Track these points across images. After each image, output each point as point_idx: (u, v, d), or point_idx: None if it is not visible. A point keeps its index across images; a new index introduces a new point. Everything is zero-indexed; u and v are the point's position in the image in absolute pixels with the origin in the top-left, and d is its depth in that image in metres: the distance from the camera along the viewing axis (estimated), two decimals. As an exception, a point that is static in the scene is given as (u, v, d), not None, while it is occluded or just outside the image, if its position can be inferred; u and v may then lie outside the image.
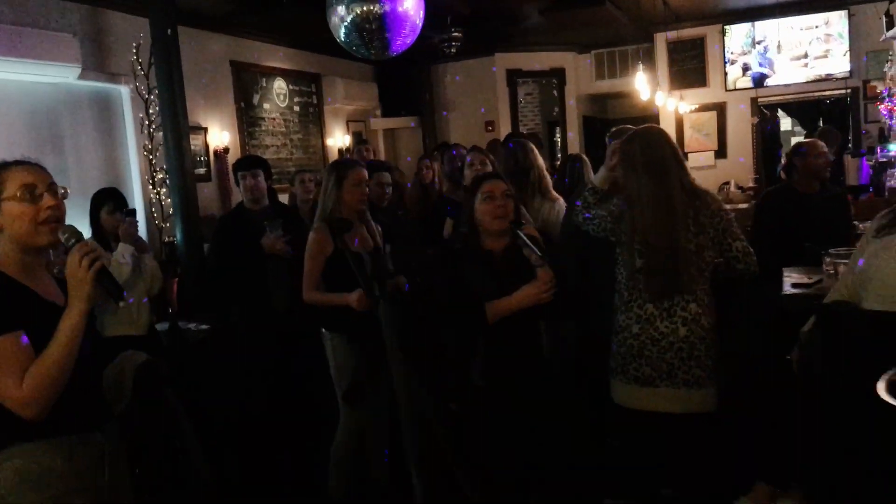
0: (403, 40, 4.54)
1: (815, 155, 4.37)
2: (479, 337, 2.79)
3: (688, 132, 10.20)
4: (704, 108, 10.11)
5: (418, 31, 4.57)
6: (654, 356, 2.82)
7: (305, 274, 3.54)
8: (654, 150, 2.91)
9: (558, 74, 11.02)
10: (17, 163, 2.05)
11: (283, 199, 6.50)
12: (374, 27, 4.38)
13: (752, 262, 2.86)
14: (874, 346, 2.25)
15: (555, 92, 11.08)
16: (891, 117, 7.02)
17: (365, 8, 4.33)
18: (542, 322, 2.81)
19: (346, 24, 4.42)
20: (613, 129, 3.78)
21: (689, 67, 10.07)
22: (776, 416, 2.59)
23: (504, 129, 10.54)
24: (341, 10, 4.39)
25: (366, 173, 3.67)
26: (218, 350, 4.82)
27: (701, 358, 2.81)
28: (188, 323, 5.33)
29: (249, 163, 4.86)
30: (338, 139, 9.56)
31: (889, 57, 7.42)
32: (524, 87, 11.01)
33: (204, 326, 5.05)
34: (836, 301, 2.65)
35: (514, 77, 10.83)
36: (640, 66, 9.37)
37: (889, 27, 6.93)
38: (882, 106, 7.30)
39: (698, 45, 9.98)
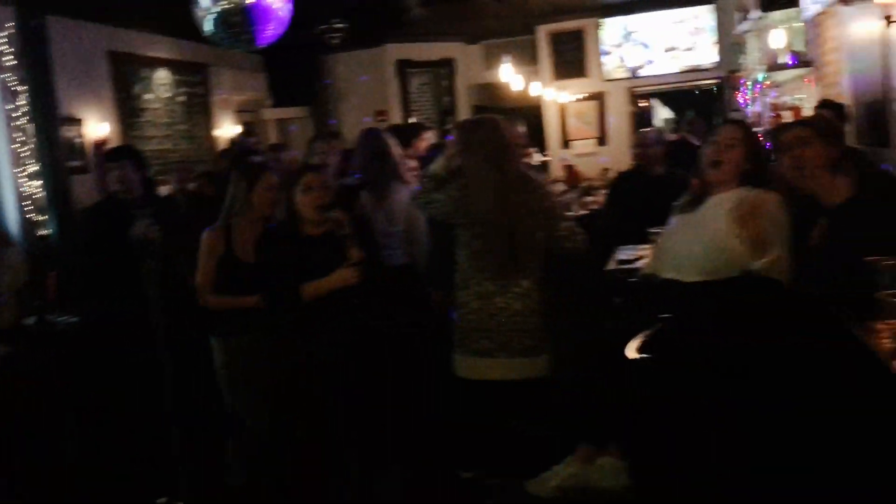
0: (271, 33, 4.62)
1: (638, 144, 4.86)
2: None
3: (570, 121, 10.61)
4: (585, 97, 10.51)
5: (287, 23, 4.66)
6: (492, 329, 3.06)
7: (200, 275, 3.52)
8: (494, 139, 3.13)
9: (448, 65, 11.26)
10: None
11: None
12: (240, 19, 4.46)
13: (579, 240, 3.11)
14: (665, 310, 2.53)
15: (444, 82, 11.30)
16: (746, 106, 7.51)
17: (230, 0, 4.41)
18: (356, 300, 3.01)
19: (211, 16, 4.48)
20: (456, 122, 4.01)
21: (570, 59, 10.46)
22: (597, 381, 2.85)
23: (396, 118, 10.71)
24: (205, 2, 4.46)
25: (276, 179, 3.55)
26: (91, 342, 4.81)
27: (533, 329, 3.07)
28: (59, 316, 5.29)
29: (116, 154, 4.86)
30: (227, 130, 9.51)
31: (744, 48, 7.93)
32: (417, 77, 11.19)
33: (73, 319, 5.02)
34: (643, 273, 2.94)
35: (405, 67, 10.99)
36: (508, 59, 9.68)
37: (742, 20, 7.42)
38: (739, 95, 7.80)
39: (577, 38, 10.38)
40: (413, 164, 5.45)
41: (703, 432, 2.20)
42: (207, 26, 4.51)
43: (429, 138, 5.90)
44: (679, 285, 2.62)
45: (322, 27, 7.75)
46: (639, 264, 3.54)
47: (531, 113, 11.26)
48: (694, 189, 2.88)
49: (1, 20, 6.05)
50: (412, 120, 10.88)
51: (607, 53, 10.23)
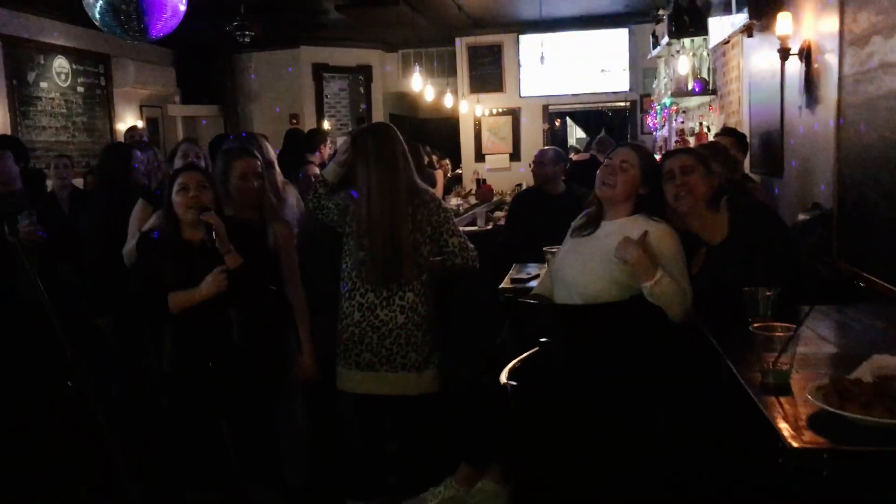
0: (164, 24, 4.42)
1: (536, 162, 4.89)
2: (167, 326, 2.88)
3: (485, 135, 10.62)
4: (501, 112, 10.55)
5: (181, 15, 4.47)
6: (374, 342, 2.97)
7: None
8: (386, 146, 3.03)
9: (365, 71, 11.14)
10: None
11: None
12: (131, 8, 4.25)
13: (469, 256, 3.04)
14: (546, 333, 2.48)
15: (361, 88, 11.18)
16: (654, 129, 7.65)
17: (120, -13, 4.19)
18: (233, 311, 2.84)
19: (100, 3, 4.25)
20: (354, 130, 3.89)
21: (488, 72, 10.49)
22: (480, 399, 2.77)
23: (309, 122, 10.51)
24: (95, -13, 4.23)
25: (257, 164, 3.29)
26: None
27: (418, 344, 2.98)
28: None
29: None
30: (128, 124, 9.12)
31: (655, 74, 8.08)
32: (334, 82, 11.03)
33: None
34: (534, 293, 2.88)
35: (321, 71, 10.82)
36: (417, 69, 9.67)
37: (654, 46, 7.55)
38: (649, 118, 7.95)
39: (496, 52, 10.42)
40: (317, 170, 5.32)
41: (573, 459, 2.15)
42: (96, 13, 4.29)
43: (333, 145, 5.81)
44: (562, 309, 2.57)
45: (233, 24, 7.50)
46: (531, 284, 3.49)
47: (447, 125, 11.28)
48: (589, 204, 2.85)
49: None
50: (326, 125, 10.73)
51: (525, 70, 10.28)
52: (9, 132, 7.18)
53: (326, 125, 10.77)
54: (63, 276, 4.52)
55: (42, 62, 7.81)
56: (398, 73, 11.30)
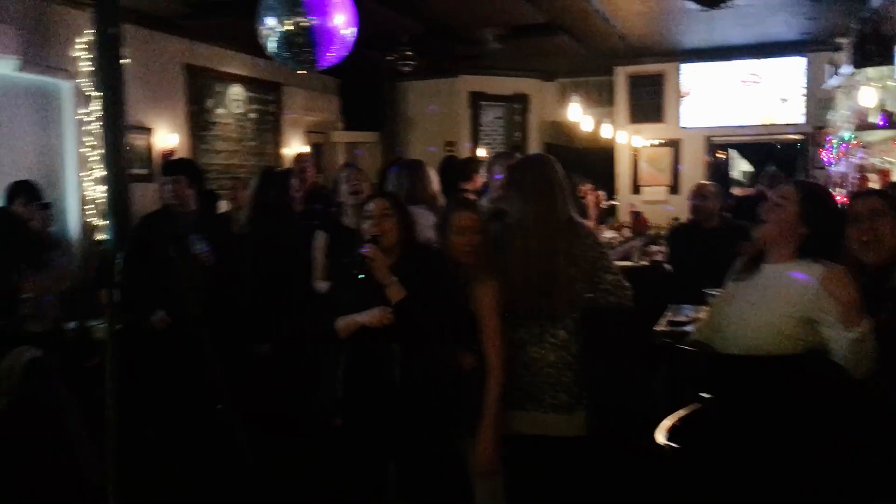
0: (333, 54, 4.56)
1: (696, 196, 4.61)
2: (343, 351, 2.83)
3: (643, 166, 10.32)
4: (660, 143, 10.23)
5: (349, 46, 4.60)
6: (524, 380, 2.88)
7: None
8: (544, 179, 2.96)
9: (522, 100, 11.15)
10: None
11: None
12: (303, 40, 4.41)
13: (624, 295, 2.90)
14: (708, 388, 2.29)
15: (517, 117, 11.18)
16: (829, 164, 7.13)
17: (294, 20, 4.36)
18: (397, 346, 2.74)
19: (274, 35, 4.44)
20: (494, 154, 3.85)
21: (647, 102, 10.21)
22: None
23: (464, 150, 10.62)
24: (270, 21, 4.42)
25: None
26: (128, 350, 4.76)
27: (568, 384, 2.86)
28: (102, 322, 5.29)
29: (172, 168, 4.85)
30: (295, 149, 9.55)
31: (833, 105, 7.56)
32: (490, 111, 11.10)
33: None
34: (693, 340, 2.69)
35: (478, 100, 10.92)
36: (575, 98, 9.51)
37: (832, 75, 7.07)
38: (823, 153, 7.42)
39: (656, 82, 10.12)
40: (472, 197, 5.33)
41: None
42: (271, 46, 4.49)
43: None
44: (727, 360, 2.35)
45: (393, 55, 7.71)
46: (690, 328, 3.28)
47: (603, 155, 11.05)
48: (746, 250, 2.62)
49: (80, 26, 6.18)
50: (481, 152, 10.80)
51: (686, 100, 9.92)
52: (188, 155, 7.68)
53: (482, 153, 10.84)
54: (230, 297, 4.72)
55: (219, 90, 8.32)
56: (555, 102, 11.22)
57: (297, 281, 4.19)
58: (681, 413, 2.07)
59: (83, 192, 6.42)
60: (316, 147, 10.31)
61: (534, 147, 11.05)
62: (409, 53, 7.56)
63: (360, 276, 2.68)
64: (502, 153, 3.77)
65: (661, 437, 1.88)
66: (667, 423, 1.99)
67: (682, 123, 10.04)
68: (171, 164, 5.05)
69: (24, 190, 4.60)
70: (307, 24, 4.35)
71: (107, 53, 5.75)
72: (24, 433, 3.61)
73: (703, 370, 2.39)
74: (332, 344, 2.82)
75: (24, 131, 6.03)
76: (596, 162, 11.48)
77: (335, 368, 2.85)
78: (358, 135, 10.75)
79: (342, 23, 4.46)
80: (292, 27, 4.34)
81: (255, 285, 4.43)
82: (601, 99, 10.91)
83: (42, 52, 6.04)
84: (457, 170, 6.37)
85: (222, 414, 2.30)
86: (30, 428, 3.66)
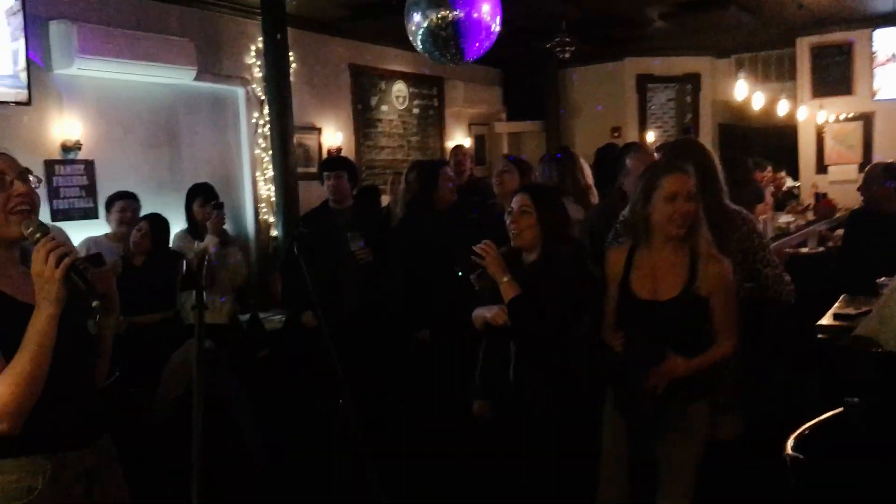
0: (479, 46, 4.54)
1: (864, 180, 4.15)
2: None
3: (828, 143, 9.51)
4: (849, 118, 9.38)
5: (494, 35, 4.55)
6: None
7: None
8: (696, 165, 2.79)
9: (693, 80, 10.61)
10: None
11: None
12: (449, 33, 4.42)
13: (783, 290, 2.66)
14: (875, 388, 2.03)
15: (688, 98, 10.67)
16: None
17: (439, 14, 4.38)
18: (513, 345, 2.70)
19: (421, 30, 4.48)
20: (659, 143, 3.64)
21: (834, 74, 9.38)
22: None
23: (631, 135, 10.27)
24: (417, 17, 4.46)
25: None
26: (291, 343, 4.99)
27: (725, 383, 2.67)
28: (274, 314, 5.59)
29: (333, 164, 4.99)
30: (458, 142, 9.64)
31: None
32: (658, 93, 10.68)
33: (281, 318, 5.26)
34: (854, 335, 2.41)
35: (645, 82, 10.53)
36: (746, 75, 8.91)
37: None
38: None
39: (844, 51, 9.27)
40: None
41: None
42: (418, 40, 4.53)
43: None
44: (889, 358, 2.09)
45: (553, 41, 7.56)
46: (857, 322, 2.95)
47: (783, 133, 10.32)
48: None
49: (251, 35, 6.55)
50: (650, 136, 10.41)
51: (881, 69, 9.04)
52: (352, 153, 7.96)
53: (650, 137, 10.45)
54: (387, 288, 4.81)
55: (383, 87, 8.55)
56: (729, 80, 10.59)
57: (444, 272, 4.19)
58: (819, 420, 1.85)
59: (257, 191, 6.82)
60: (479, 139, 10.37)
61: (706, 129, 10.50)
62: (569, 40, 7.38)
63: (458, 273, 2.68)
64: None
65: (789, 444, 1.69)
66: (799, 430, 1.78)
67: (877, 95, 9.14)
68: (330, 161, 5.23)
69: (202, 191, 4.92)
70: (452, 17, 4.36)
71: (275, 59, 6.13)
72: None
73: (862, 370, 2.14)
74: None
75: (202, 136, 6.49)
76: (775, 141, 10.74)
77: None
78: (521, 125, 10.70)
79: (487, 13, 4.43)
80: (438, 21, 4.37)
81: (406, 277, 4.48)
82: (780, 73, 10.18)
83: (217, 61, 6.47)
84: (615, 158, 6.16)
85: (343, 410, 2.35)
86: (203, 414, 3.93)
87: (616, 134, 10.32)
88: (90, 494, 1.85)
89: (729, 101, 10.63)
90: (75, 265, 1.71)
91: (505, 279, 2.66)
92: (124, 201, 4.79)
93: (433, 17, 4.37)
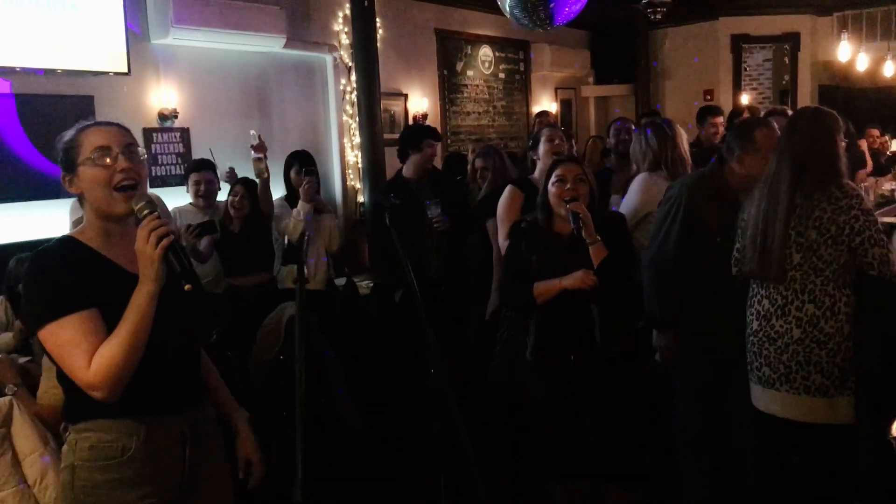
0: (569, 9, 4.44)
1: None
2: (532, 315, 2.87)
3: (939, 106, 8.98)
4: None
5: (585, 0, 4.45)
6: (771, 356, 2.68)
7: None
8: (791, 135, 2.69)
9: (792, 39, 10.13)
10: (97, 123, 1.89)
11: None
12: (539, -2, 4.34)
13: (887, 271, 2.54)
14: None
15: (786, 58, 10.22)
16: None
17: (529, -22, 4.30)
18: (595, 306, 2.75)
19: (511, -6, 4.41)
20: (769, 109, 3.48)
21: (946, 31, 8.82)
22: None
23: (724, 98, 9.93)
24: (506, -20, 4.39)
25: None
26: (378, 308, 5.07)
27: (822, 364, 2.58)
28: (362, 280, 5.67)
29: (431, 132, 4.90)
30: (544, 107, 9.50)
31: None
32: (756, 53, 10.27)
33: (370, 283, 5.34)
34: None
35: (739, 42, 10.12)
36: (845, 35, 8.41)
37: None
38: None
39: (958, 6, 8.70)
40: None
41: None
42: (507, 5, 4.47)
43: (719, 123, 5.33)
44: None
45: (646, 1, 7.33)
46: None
47: (889, 95, 9.79)
48: None
49: (339, 1, 6.59)
50: (745, 99, 10.04)
51: None
52: (438, 118, 7.96)
53: (745, 99, 10.07)
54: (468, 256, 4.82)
55: (469, 52, 8.49)
56: (830, 39, 10.08)
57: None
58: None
59: (345, 157, 6.91)
60: (566, 103, 10.21)
61: (805, 91, 10.05)
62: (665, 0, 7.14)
63: (575, 231, 2.73)
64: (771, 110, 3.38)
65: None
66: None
67: None
68: (410, 128, 5.21)
69: (297, 159, 5.01)
70: (542, -20, 4.28)
71: (363, 25, 6.15)
72: (289, 382, 3.99)
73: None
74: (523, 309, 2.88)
75: (291, 104, 6.59)
76: (880, 103, 10.21)
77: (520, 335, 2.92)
78: (609, 88, 10.47)
79: (579, -24, 4.33)
80: (528, -16, 4.29)
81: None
82: (886, 32, 9.61)
83: (305, 28, 6.54)
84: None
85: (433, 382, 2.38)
86: (294, 377, 4.04)
87: (709, 97, 10.00)
88: (186, 458, 1.91)
89: (831, 61, 10.14)
90: (174, 245, 1.74)
91: (598, 239, 2.73)
92: (198, 174, 4.80)
93: (523, -20, 4.30)
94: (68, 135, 1.87)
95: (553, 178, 2.83)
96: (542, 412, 2.94)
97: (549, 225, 2.89)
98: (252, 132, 4.84)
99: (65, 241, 1.88)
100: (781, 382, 2.65)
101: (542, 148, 3.78)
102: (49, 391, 2.83)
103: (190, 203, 4.85)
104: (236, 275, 4.59)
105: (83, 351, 1.72)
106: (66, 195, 1.95)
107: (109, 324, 1.76)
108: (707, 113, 5.66)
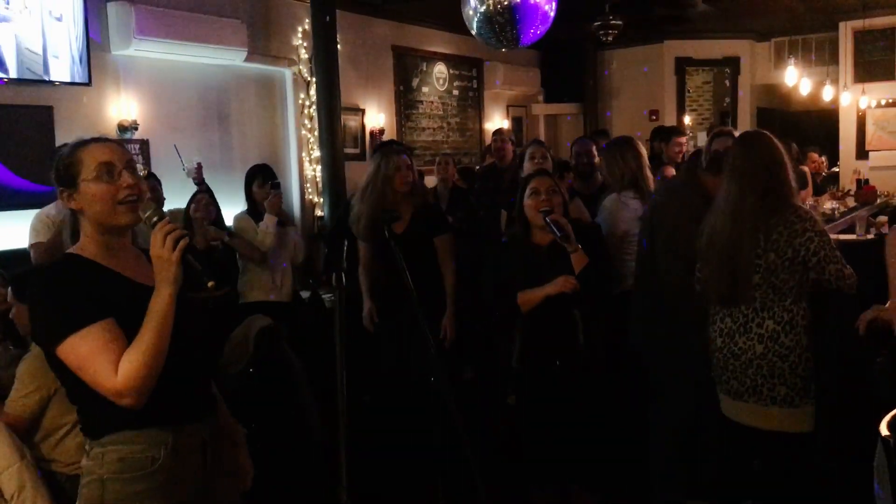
0: (534, 31, 4.57)
1: None
2: (516, 325, 3.00)
3: (870, 129, 9.46)
4: (891, 103, 9.30)
5: (550, 20, 4.59)
6: (737, 370, 2.79)
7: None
8: (745, 159, 2.80)
9: (732, 63, 10.56)
10: (95, 140, 1.91)
11: (432, 181, 6.74)
12: (505, 19, 4.46)
13: (846, 284, 2.68)
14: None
15: (726, 82, 10.62)
16: None
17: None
18: (577, 312, 2.90)
19: (478, 15, 4.52)
20: (716, 129, 3.63)
21: (878, 59, 9.30)
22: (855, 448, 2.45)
23: (668, 118, 10.27)
24: (474, 2, 4.51)
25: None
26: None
27: (785, 376, 2.71)
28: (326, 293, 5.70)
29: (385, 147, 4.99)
30: (496, 124, 9.68)
31: None
32: (697, 76, 10.64)
33: (331, 297, 5.36)
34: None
35: (683, 65, 10.49)
36: (792, 60, 8.82)
37: None
38: None
39: (889, 36, 9.19)
40: (671, 170, 5.15)
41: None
42: (474, 25, 4.58)
43: (683, 143, 5.56)
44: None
45: (598, 23, 7.55)
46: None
47: (823, 118, 10.26)
48: None
49: (299, 17, 6.62)
50: (687, 120, 10.39)
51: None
52: (394, 133, 8.04)
53: (687, 120, 10.43)
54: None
55: (424, 68, 8.60)
56: (769, 64, 10.53)
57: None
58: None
59: (304, 171, 6.92)
60: (517, 121, 10.40)
61: (744, 112, 10.47)
62: (613, 22, 7.37)
63: (559, 240, 2.85)
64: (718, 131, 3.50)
65: (884, 427, 1.76)
66: (890, 415, 1.85)
67: (920, 80, 9.07)
68: (383, 144, 5.26)
69: (260, 172, 5.01)
70: (509, 1, 4.40)
71: (324, 40, 6.20)
72: (257, 394, 3.99)
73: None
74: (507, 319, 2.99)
75: (251, 117, 6.60)
76: (815, 126, 10.68)
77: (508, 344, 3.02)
78: (559, 107, 10.72)
79: (545, -2, 4.47)
80: (494, 6, 4.41)
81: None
82: (822, 58, 10.09)
83: (266, 42, 6.56)
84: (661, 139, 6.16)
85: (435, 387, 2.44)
86: (261, 389, 4.04)
87: (654, 117, 10.33)
88: (205, 465, 1.96)
89: (769, 84, 10.58)
90: (190, 247, 1.79)
91: (578, 247, 2.86)
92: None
93: (490, 2, 4.42)
94: (65, 151, 1.89)
95: (528, 192, 2.94)
96: (527, 417, 3.03)
97: (528, 237, 3.00)
98: (193, 161, 4.83)
99: (68, 257, 1.91)
100: (749, 395, 2.77)
101: (525, 165, 3.90)
102: (17, 401, 2.82)
103: None
104: (198, 290, 4.50)
105: (108, 360, 1.73)
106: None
107: (126, 333, 1.78)
108: (673, 133, 5.87)
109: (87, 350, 1.74)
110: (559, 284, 2.82)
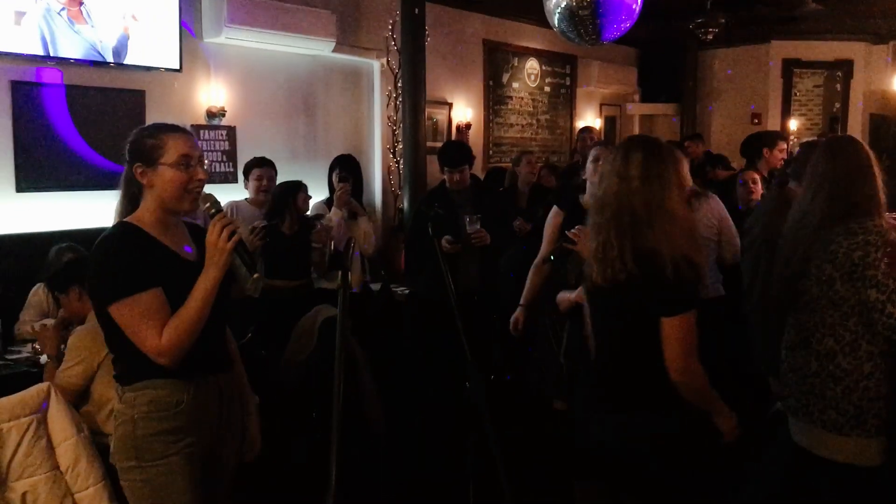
0: (617, 26, 4.43)
1: None
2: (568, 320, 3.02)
3: None
4: None
5: (635, 16, 4.44)
6: (793, 385, 2.61)
7: None
8: (826, 163, 2.62)
9: (845, 66, 9.98)
10: (176, 129, 2.18)
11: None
12: (587, 13, 4.33)
13: (884, 323, 2.41)
14: None
15: (837, 85, 10.05)
16: None
17: (579, -7, 4.29)
18: None
19: (560, 9, 4.41)
20: (804, 140, 3.40)
21: None
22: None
23: (772, 122, 9.82)
24: (557, -6, 4.40)
25: None
26: (410, 314, 5.08)
27: (837, 400, 2.49)
28: (397, 287, 5.69)
29: (456, 160, 4.76)
30: (588, 122, 9.48)
31: None
32: (807, 79, 10.12)
33: (405, 290, 5.36)
34: None
35: (791, 67, 9.99)
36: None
37: None
38: None
39: None
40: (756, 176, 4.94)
41: None
42: (556, 19, 4.47)
43: (784, 150, 5.27)
44: None
45: (699, 20, 7.25)
46: None
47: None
48: None
49: (389, 8, 6.63)
50: (793, 125, 9.91)
51: None
52: (481, 129, 7.98)
53: (793, 125, 9.94)
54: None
55: (515, 64, 8.49)
56: (886, 68, 9.90)
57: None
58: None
59: (387, 163, 6.94)
60: (610, 120, 10.16)
61: (856, 119, 9.88)
62: (711, 20, 7.06)
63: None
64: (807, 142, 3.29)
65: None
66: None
67: None
68: (452, 156, 5.06)
69: (338, 163, 5.05)
70: (593, -4, 4.27)
71: (412, 32, 6.19)
72: (320, 383, 4.01)
73: None
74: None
75: (337, 107, 6.66)
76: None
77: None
78: (655, 107, 10.40)
79: (631, -7, 4.32)
80: (578, 1, 4.28)
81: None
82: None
83: (354, 33, 6.60)
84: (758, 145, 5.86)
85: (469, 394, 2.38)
86: (325, 379, 4.06)
87: (756, 121, 9.88)
88: (221, 414, 2.25)
89: (885, 89, 9.95)
90: (241, 240, 2.09)
91: None
92: (261, 169, 4.86)
93: (573, -4, 4.30)
94: (148, 132, 2.17)
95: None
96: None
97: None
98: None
99: (126, 226, 2.15)
100: (802, 413, 2.60)
101: (589, 168, 3.70)
102: (63, 372, 2.96)
103: (246, 199, 4.90)
104: (279, 277, 4.47)
105: (153, 325, 2.03)
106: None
107: (168, 300, 2.07)
108: (778, 137, 5.52)
109: (137, 313, 2.03)
110: (578, 293, 2.76)
